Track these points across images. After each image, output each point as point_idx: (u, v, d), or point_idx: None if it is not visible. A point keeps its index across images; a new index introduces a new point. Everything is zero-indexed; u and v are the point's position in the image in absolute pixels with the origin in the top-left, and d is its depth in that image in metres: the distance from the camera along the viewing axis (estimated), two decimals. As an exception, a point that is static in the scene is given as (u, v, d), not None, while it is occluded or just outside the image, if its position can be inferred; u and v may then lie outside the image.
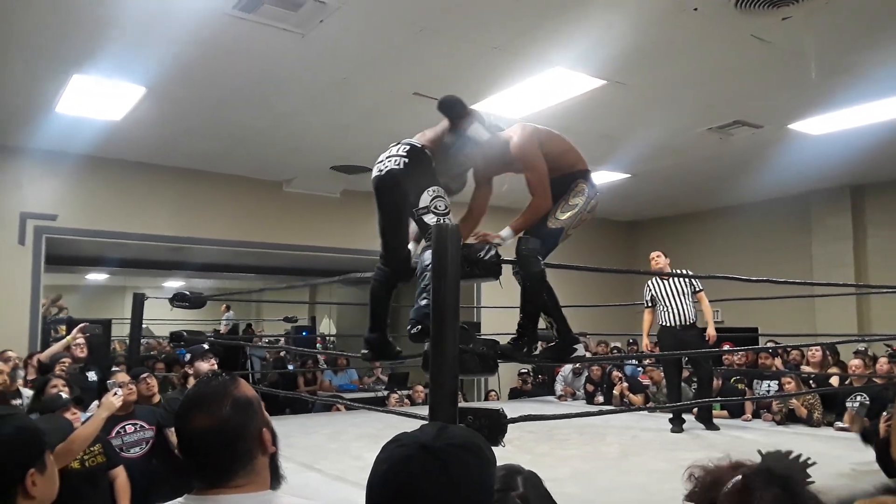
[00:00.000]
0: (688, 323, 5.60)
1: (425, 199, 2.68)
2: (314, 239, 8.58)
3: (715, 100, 5.75)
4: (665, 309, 5.67)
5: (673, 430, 5.41)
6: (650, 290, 5.83)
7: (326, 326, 14.53)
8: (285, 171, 8.07)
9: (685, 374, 6.04)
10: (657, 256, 5.78)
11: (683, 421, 5.51)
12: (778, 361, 6.70)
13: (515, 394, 8.77)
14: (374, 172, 2.95)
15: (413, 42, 4.60)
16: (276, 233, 8.33)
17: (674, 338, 5.52)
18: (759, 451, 1.06)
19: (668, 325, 5.63)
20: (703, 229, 10.33)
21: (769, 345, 6.61)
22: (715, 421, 5.60)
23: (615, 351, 8.29)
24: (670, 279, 5.66)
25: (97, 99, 5.52)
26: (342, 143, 6.83)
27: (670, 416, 5.59)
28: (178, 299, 5.10)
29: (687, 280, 5.60)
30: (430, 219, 2.64)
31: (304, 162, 7.61)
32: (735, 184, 8.53)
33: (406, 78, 5.19)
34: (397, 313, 11.44)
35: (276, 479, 1.36)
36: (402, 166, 2.84)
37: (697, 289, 5.65)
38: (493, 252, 2.75)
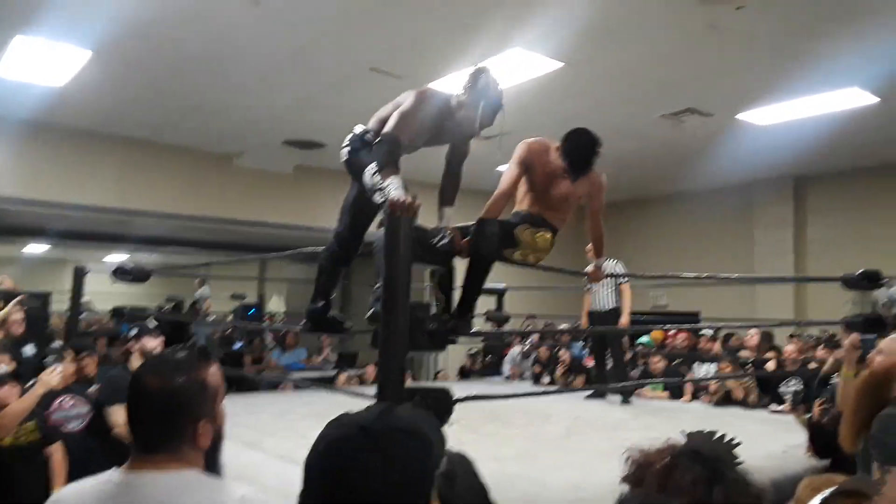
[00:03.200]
0: (607, 308, 6.08)
1: (367, 181, 2.67)
2: (265, 214, 8.43)
3: (669, 86, 5.83)
4: (594, 294, 6.18)
5: (588, 398, 6.01)
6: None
7: (276, 304, 14.37)
8: (236, 144, 7.89)
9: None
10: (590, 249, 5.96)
11: (604, 395, 6.08)
12: (717, 345, 6.89)
13: (464, 373, 8.84)
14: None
15: (370, 16, 4.53)
16: (225, 207, 8.16)
17: (595, 321, 6.12)
18: (682, 432, 1.08)
19: (594, 308, 6.17)
20: (651, 215, 10.52)
21: (706, 329, 6.80)
22: (657, 402, 5.91)
23: (560, 334, 8.41)
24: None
25: (40, 62, 5.28)
26: (296, 117, 6.70)
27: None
28: (121, 273, 4.95)
29: (617, 268, 6.05)
30: (377, 198, 2.63)
31: (255, 135, 7.45)
32: (683, 172, 8.69)
33: (364, 52, 5.11)
34: (348, 292, 11.40)
35: (212, 471, 1.35)
36: (346, 156, 2.93)
37: (620, 281, 6.07)
38: (446, 241, 2.78)
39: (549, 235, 3.07)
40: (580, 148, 3.06)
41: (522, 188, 3.22)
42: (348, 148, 2.93)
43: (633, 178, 9.18)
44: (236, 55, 5.21)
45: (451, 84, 5.28)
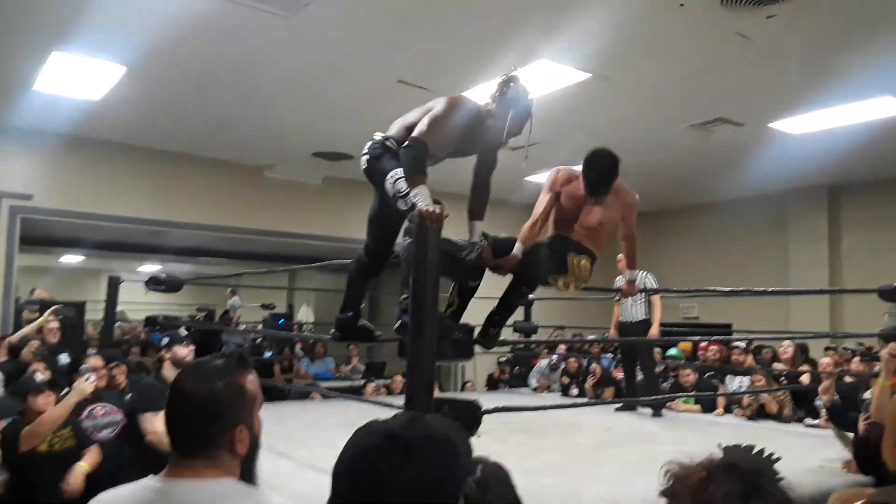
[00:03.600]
0: (637, 320, 6.04)
1: (389, 189, 2.67)
2: (294, 225, 8.52)
3: (698, 96, 5.78)
4: (624, 306, 6.13)
5: (617, 409, 5.99)
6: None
7: (305, 314, 14.46)
8: (266, 157, 7.99)
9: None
10: (622, 258, 5.95)
11: (634, 408, 6.03)
12: (750, 358, 6.77)
13: (493, 383, 8.80)
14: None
15: (399, 30, 4.56)
16: (256, 218, 8.26)
17: (624, 332, 6.07)
18: (720, 445, 1.06)
19: (624, 320, 6.13)
20: (681, 225, 10.41)
21: (740, 342, 6.69)
22: (688, 416, 5.83)
23: (589, 345, 8.35)
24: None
25: (76, 77, 5.42)
26: (325, 129, 6.78)
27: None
28: (154, 283, 5.03)
29: (643, 282, 5.98)
30: (400, 205, 2.63)
31: (285, 148, 7.54)
32: (715, 181, 8.60)
33: (391, 66, 5.15)
34: (377, 302, 11.44)
35: (247, 480, 1.35)
36: (365, 164, 2.89)
37: (651, 292, 6.01)
38: (474, 254, 2.77)
39: (587, 262, 3.06)
40: (597, 169, 3.13)
41: (555, 215, 3.25)
42: (367, 155, 2.89)
43: (663, 189, 9.11)
44: (267, 69, 5.29)
45: (479, 96, 5.33)
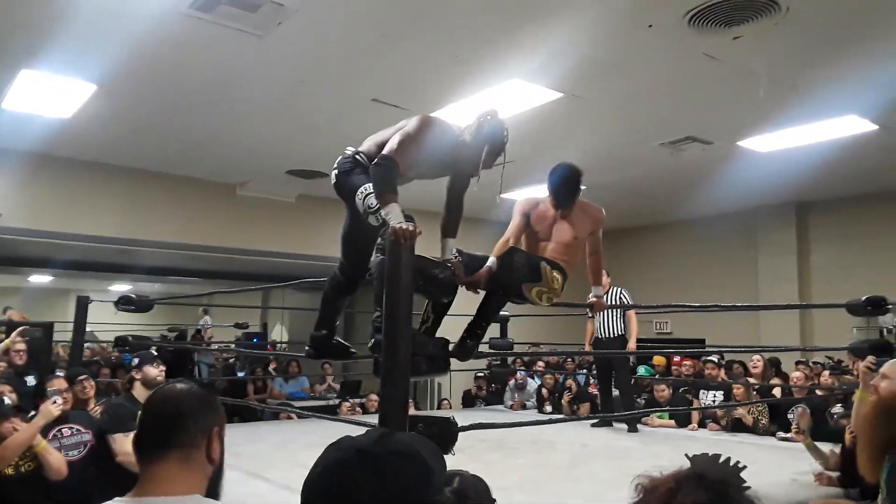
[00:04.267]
0: (614, 335, 6.05)
1: (360, 204, 2.67)
2: (268, 244, 8.46)
3: (668, 115, 5.88)
4: (599, 321, 6.16)
5: (593, 426, 5.99)
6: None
7: (279, 333, 14.34)
8: (239, 174, 7.95)
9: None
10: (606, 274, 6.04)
11: (610, 424, 6.07)
12: (723, 372, 6.85)
13: (469, 401, 8.78)
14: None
15: (373, 48, 4.59)
16: (229, 237, 8.19)
17: (600, 348, 6.09)
18: (687, 455, 1.07)
19: (599, 336, 6.13)
20: (654, 242, 10.53)
21: (713, 357, 6.76)
22: (663, 431, 5.90)
23: (567, 360, 8.38)
24: (608, 294, 6.00)
25: (46, 95, 5.36)
26: (299, 147, 6.77)
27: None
28: (124, 303, 4.96)
29: (623, 296, 6.06)
30: (372, 221, 2.63)
31: (259, 165, 7.51)
32: (685, 199, 8.73)
33: (365, 84, 5.18)
34: (351, 319, 11.37)
35: (212, 495, 1.35)
36: (334, 179, 2.89)
37: (626, 308, 6.08)
38: (449, 272, 2.77)
39: (560, 276, 3.08)
40: (562, 181, 3.20)
41: (527, 239, 3.31)
42: (337, 170, 2.89)
43: (635, 206, 9.22)
44: (240, 87, 5.28)
45: (452, 115, 5.37)
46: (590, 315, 6.16)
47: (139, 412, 1.43)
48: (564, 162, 3.26)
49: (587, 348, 6.36)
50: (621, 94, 5.38)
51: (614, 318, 6.11)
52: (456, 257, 2.93)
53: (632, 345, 6.01)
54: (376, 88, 5.25)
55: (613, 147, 6.71)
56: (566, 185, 3.21)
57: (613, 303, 6.00)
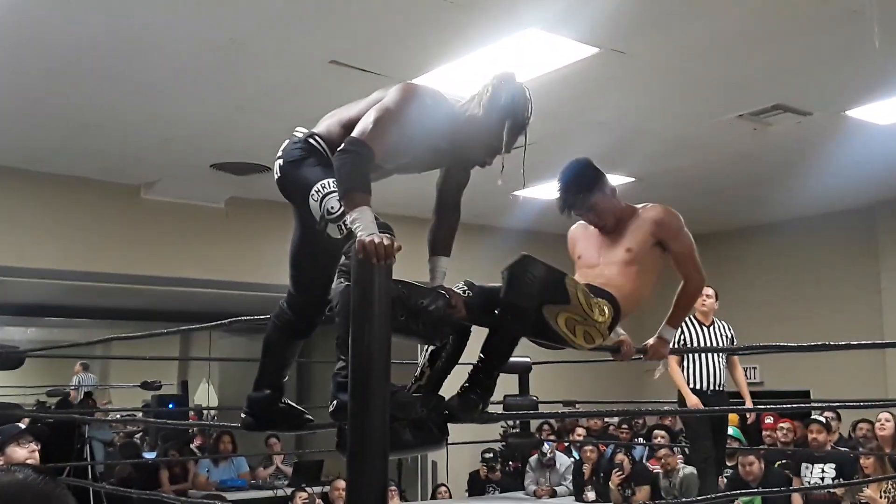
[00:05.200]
0: (720, 387, 6.15)
1: (315, 208, 2.65)
2: (186, 268, 8.45)
3: (747, 76, 5.89)
4: (694, 365, 6.17)
5: None
6: (683, 333, 6.20)
7: (204, 395, 14.28)
8: (145, 171, 7.96)
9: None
10: (706, 297, 6.25)
11: None
12: (835, 437, 6.85)
13: (477, 486, 8.75)
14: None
15: (329, -10, 4.62)
16: (131, 260, 8.18)
17: (706, 403, 5.98)
18: None
19: (697, 386, 6.12)
20: (729, 256, 10.51)
21: (819, 416, 6.77)
22: None
23: (617, 426, 8.37)
24: (712, 327, 6.24)
25: None
26: (228, 130, 6.80)
27: None
28: (-17, 356, 4.95)
29: (728, 334, 6.19)
30: (332, 231, 2.62)
31: (172, 157, 7.53)
32: (774, 192, 8.76)
33: (321, 40, 5.19)
34: (306, 372, 11.34)
35: None
36: (279, 172, 2.87)
37: (726, 351, 6.23)
38: (441, 303, 2.74)
39: (608, 309, 3.07)
40: (568, 174, 3.34)
41: (578, 273, 3.38)
42: (282, 159, 2.86)
43: (703, 204, 9.22)
44: (143, 52, 5.28)
45: (442, 81, 5.39)
46: (661, 368, 6.12)
47: None
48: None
49: (685, 389, 6.25)
50: (681, 49, 5.40)
51: (720, 361, 6.22)
52: (465, 291, 2.92)
53: (749, 402, 6.18)
54: (336, 46, 5.26)
55: (671, 122, 6.73)
56: (572, 180, 3.30)
57: (720, 338, 6.21)
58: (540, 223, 8.50)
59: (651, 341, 3.53)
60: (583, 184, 3.31)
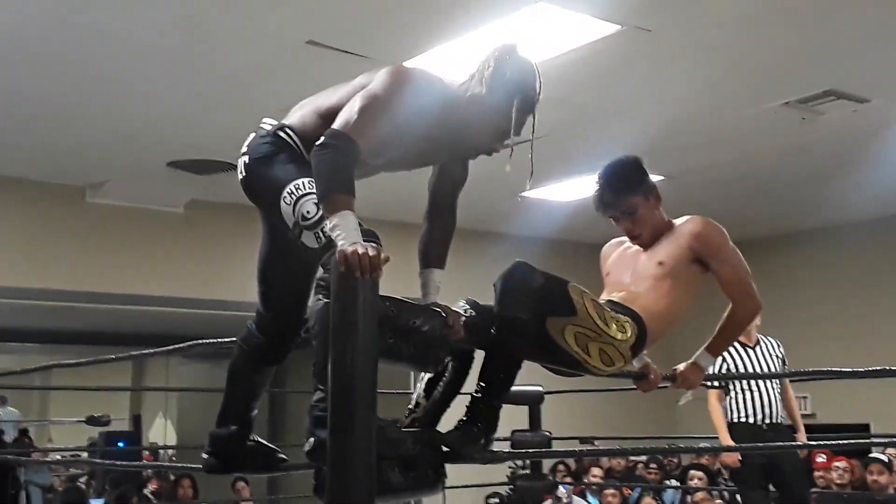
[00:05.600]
0: (777, 419, 6.07)
1: (288, 213, 2.64)
2: (139, 283, 8.45)
3: (793, 57, 5.91)
4: (742, 394, 6.12)
5: None
6: (724, 360, 6.11)
7: (160, 432, 14.26)
8: (90, 171, 7.97)
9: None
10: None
11: None
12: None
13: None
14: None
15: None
16: (75, 273, 8.18)
17: (757, 441, 5.90)
18: None
19: (749, 419, 6.08)
20: (775, 265, 10.50)
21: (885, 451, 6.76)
22: None
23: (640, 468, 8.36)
24: (757, 347, 6.18)
25: None
26: (188, 123, 6.81)
27: None
28: None
29: (779, 353, 6.15)
30: (309, 241, 2.61)
31: (123, 155, 7.54)
32: (825, 192, 8.75)
33: (296, 17, 5.20)
34: (280, 405, 11.30)
35: None
36: (243, 171, 2.87)
37: (779, 376, 6.19)
38: (437, 323, 2.72)
39: (629, 325, 3.06)
40: (610, 170, 3.38)
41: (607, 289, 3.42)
42: (248, 156, 2.86)
43: (740, 208, 9.25)
44: (89, 33, 5.28)
45: (437, 64, 5.39)
46: (717, 385, 6.10)
47: None
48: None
49: (723, 433, 6.25)
50: (716, 24, 5.40)
51: (774, 388, 6.16)
52: (466, 310, 2.91)
53: (802, 432, 6.10)
54: (314, 23, 5.27)
55: (705, 111, 6.73)
56: (618, 174, 3.32)
57: (770, 360, 6.15)
58: (553, 229, 8.51)
59: (681, 367, 3.49)
60: (625, 182, 3.32)
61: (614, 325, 2.98)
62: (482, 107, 2.80)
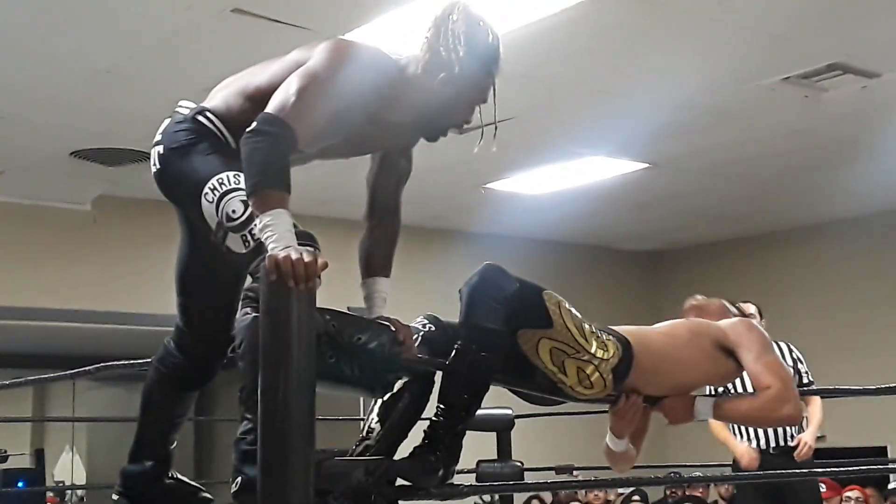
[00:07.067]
0: (788, 441, 6.14)
1: (210, 212, 2.62)
2: (39, 294, 8.42)
3: (795, 28, 5.96)
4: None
5: None
6: None
7: (66, 468, 14.17)
8: (-19, 162, 7.90)
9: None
10: (748, 311, 6.19)
11: None
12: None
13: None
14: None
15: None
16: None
17: (765, 466, 6.01)
18: None
19: (752, 443, 6.20)
20: (776, 264, 10.62)
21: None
22: None
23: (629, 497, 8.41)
24: None
25: None
26: (94, 105, 6.79)
27: None
28: None
29: (794, 357, 6.25)
30: (234, 246, 2.59)
31: (18, 143, 7.51)
32: (832, 180, 8.86)
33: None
34: (205, 434, 11.23)
35: None
36: (157, 164, 2.86)
37: (807, 381, 6.24)
38: (384, 338, 2.72)
39: (612, 345, 3.06)
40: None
41: None
42: (162, 146, 2.86)
43: (736, 198, 9.35)
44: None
45: (381, 38, 5.38)
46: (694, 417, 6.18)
47: None
48: None
49: (740, 449, 6.31)
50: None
51: None
52: (426, 326, 2.90)
53: (810, 443, 6.13)
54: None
55: (695, 88, 6.77)
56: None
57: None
58: (522, 226, 8.53)
59: (670, 399, 3.44)
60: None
61: (595, 342, 2.99)
62: (456, 86, 2.79)
